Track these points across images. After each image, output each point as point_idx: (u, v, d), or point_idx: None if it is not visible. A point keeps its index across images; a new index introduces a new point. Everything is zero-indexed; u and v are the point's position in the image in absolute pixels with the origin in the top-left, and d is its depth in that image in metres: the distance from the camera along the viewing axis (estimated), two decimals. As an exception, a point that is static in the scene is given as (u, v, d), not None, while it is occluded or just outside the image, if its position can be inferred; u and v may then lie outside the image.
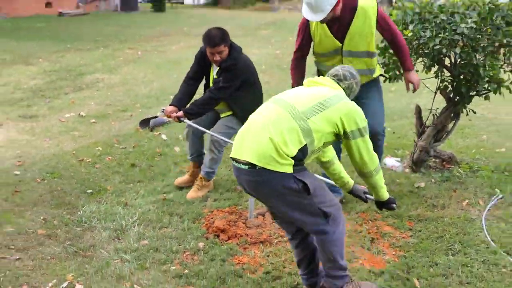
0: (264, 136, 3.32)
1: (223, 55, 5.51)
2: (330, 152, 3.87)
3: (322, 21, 4.78)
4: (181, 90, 5.90)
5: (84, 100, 10.31)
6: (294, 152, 3.27)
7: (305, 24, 5.04)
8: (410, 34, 5.48)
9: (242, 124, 5.38)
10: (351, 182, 4.04)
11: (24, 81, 11.66)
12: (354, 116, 3.48)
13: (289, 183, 3.34)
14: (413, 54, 5.70)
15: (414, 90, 5.21)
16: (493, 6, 5.45)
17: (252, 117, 3.61)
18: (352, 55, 4.91)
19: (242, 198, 5.49)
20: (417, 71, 5.87)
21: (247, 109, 5.35)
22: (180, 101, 5.79)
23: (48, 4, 26.66)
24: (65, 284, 4.00)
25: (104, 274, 4.16)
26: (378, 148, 5.08)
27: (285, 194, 3.41)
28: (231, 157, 3.50)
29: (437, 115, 6.01)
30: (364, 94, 4.86)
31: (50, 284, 4.00)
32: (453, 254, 4.40)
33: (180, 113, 5.56)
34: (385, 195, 3.79)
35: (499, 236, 4.67)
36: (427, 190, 5.62)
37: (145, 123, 8.23)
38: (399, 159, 6.41)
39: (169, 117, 5.73)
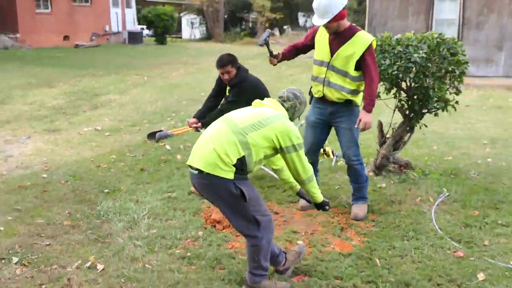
0: (209, 147, 3.44)
1: (231, 75, 5.60)
2: (280, 162, 3.88)
3: (326, 26, 4.65)
4: (204, 105, 5.98)
5: (99, 116, 10.28)
6: (233, 161, 3.37)
7: (314, 31, 4.92)
8: (373, 61, 5.59)
9: None
10: (297, 186, 4.03)
11: (47, 101, 11.60)
12: (289, 134, 3.52)
13: (229, 188, 3.42)
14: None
15: (362, 130, 4.82)
16: (440, 40, 5.59)
17: (204, 132, 3.71)
18: (334, 70, 4.75)
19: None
20: (379, 93, 6.00)
21: None
22: (201, 114, 5.86)
23: (66, 37, 26.61)
24: (88, 264, 4.04)
25: (120, 256, 4.19)
26: (355, 172, 5.07)
27: (225, 196, 3.49)
28: (187, 164, 3.60)
29: (395, 128, 6.11)
30: (337, 116, 4.91)
31: (75, 264, 4.04)
32: (407, 240, 4.53)
33: (199, 124, 5.67)
34: (319, 198, 3.84)
35: (445, 226, 4.81)
36: (387, 189, 5.74)
37: (152, 135, 8.23)
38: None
39: (190, 127, 5.82)
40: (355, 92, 4.83)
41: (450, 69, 5.60)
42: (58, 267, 4.02)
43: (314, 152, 5.13)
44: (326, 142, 6.36)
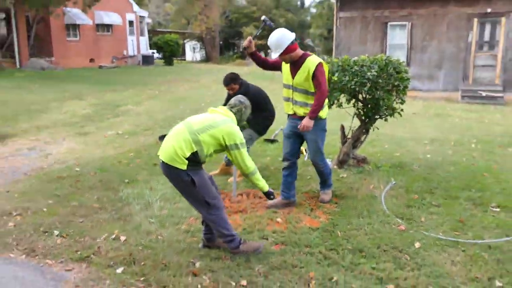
0: (170, 143, 3.63)
1: (234, 90, 5.69)
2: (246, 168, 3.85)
3: (281, 58, 4.63)
4: None
5: (120, 123, 10.29)
6: (187, 155, 3.54)
7: (281, 62, 4.80)
8: (336, 78, 5.63)
9: (258, 133, 5.70)
10: (264, 187, 3.96)
11: (78, 111, 11.59)
12: (233, 135, 3.65)
13: (182, 176, 3.59)
14: (338, 92, 5.79)
15: (301, 130, 4.64)
16: (388, 61, 5.71)
17: (170, 131, 3.82)
18: (297, 90, 4.68)
19: (228, 184, 5.58)
20: (341, 103, 6.16)
21: (260, 124, 5.68)
22: None
23: (91, 60, 26.46)
24: (113, 236, 4.12)
25: (138, 230, 4.26)
26: (321, 172, 5.00)
27: (180, 182, 3.66)
28: (158, 155, 3.75)
29: (354, 131, 6.22)
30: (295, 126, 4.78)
31: (103, 236, 4.12)
32: (362, 217, 4.60)
33: None
34: (264, 189, 3.91)
35: (391, 206, 4.91)
36: (347, 179, 5.82)
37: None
38: (330, 159, 6.42)
39: None
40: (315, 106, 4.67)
41: (396, 84, 5.72)
42: (89, 238, 4.10)
43: (291, 156, 4.97)
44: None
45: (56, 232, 4.21)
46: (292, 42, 4.51)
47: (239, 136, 3.72)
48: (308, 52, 4.72)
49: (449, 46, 16.43)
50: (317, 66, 4.54)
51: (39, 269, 3.60)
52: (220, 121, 3.71)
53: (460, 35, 16.25)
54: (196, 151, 3.60)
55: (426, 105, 14.35)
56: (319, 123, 4.75)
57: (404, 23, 16.83)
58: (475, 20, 15.97)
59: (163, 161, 3.67)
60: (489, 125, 10.55)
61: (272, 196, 4.00)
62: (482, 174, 6.11)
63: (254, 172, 3.82)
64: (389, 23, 16.99)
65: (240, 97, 4.03)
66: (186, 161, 3.58)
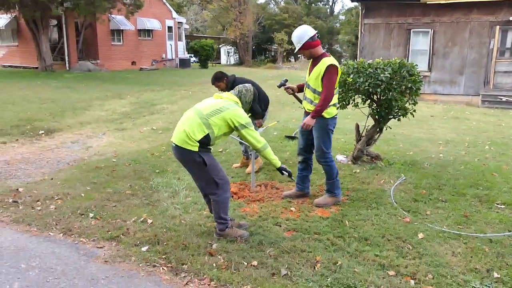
0: (181, 128, 3.74)
1: (222, 87, 5.75)
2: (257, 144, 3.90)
3: (301, 53, 4.67)
4: None
5: (155, 120, 10.44)
6: (199, 137, 3.67)
7: None
8: (351, 79, 5.67)
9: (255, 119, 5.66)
10: (277, 163, 3.99)
11: (118, 108, 11.82)
12: (239, 117, 3.74)
13: (194, 157, 3.72)
14: (353, 93, 5.84)
15: (302, 127, 4.64)
16: (401, 64, 5.68)
17: (182, 117, 3.94)
18: (309, 88, 4.64)
19: (248, 175, 5.65)
20: (357, 103, 6.19)
21: (258, 112, 5.69)
22: None
23: (133, 63, 27.05)
24: (141, 219, 4.28)
25: (164, 215, 4.41)
26: (325, 170, 4.80)
27: (192, 164, 3.79)
28: (171, 140, 3.87)
29: (368, 129, 6.24)
30: (312, 128, 4.70)
31: (133, 219, 4.28)
32: (371, 209, 4.62)
33: None
34: (277, 164, 3.95)
35: (399, 200, 4.92)
36: (360, 174, 5.84)
37: None
38: (345, 156, 6.60)
39: None
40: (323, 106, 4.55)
41: (409, 85, 5.68)
42: (120, 220, 4.28)
43: (304, 152, 4.93)
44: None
45: (91, 215, 4.41)
46: (312, 39, 4.47)
47: (244, 117, 3.81)
48: (327, 53, 4.63)
49: (471, 52, 16.08)
50: (327, 67, 4.44)
51: (74, 246, 3.80)
52: (227, 105, 3.80)
53: (482, 42, 15.88)
54: (208, 134, 3.71)
55: (445, 108, 14.10)
56: (322, 122, 4.64)
57: (427, 30, 16.56)
58: (497, 27, 15.57)
59: (176, 145, 3.78)
60: (506, 128, 10.30)
61: (284, 172, 4.02)
62: (491, 173, 6.02)
63: (265, 147, 3.89)
64: (412, 30, 16.74)
65: (242, 85, 4.09)
66: (198, 144, 3.70)
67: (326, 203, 4.77)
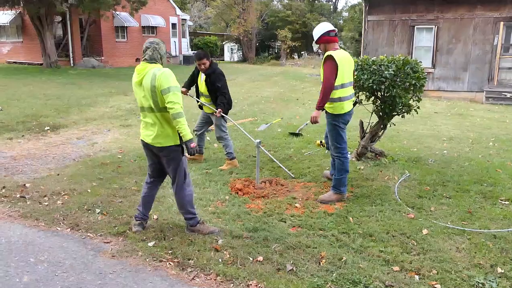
0: (157, 130, 3.74)
1: (206, 65, 5.75)
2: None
3: (316, 45, 4.77)
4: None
5: None
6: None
7: None
8: (355, 77, 5.57)
9: (225, 113, 5.79)
10: (187, 135, 3.71)
11: (123, 105, 11.84)
12: (166, 79, 3.58)
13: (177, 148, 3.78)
14: (357, 90, 5.83)
15: (311, 121, 4.74)
16: (405, 61, 5.68)
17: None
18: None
19: (252, 172, 5.67)
20: (361, 100, 6.18)
21: (227, 105, 5.84)
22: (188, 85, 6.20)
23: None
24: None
25: (170, 210, 4.45)
26: (337, 164, 4.78)
27: (176, 155, 3.81)
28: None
29: (372, 126, 6.23)
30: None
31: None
32: (375, 205, 4.63)
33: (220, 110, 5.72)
34: (186, 136, 3.67)
35: (403, 196, 4.93)
36: (364, 170, 5.84)
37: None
38: (349, 152, 6.45)
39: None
40: (329, 101, 4.65)
41: (413, 82, 5.67)
42: (127, 216, 4.31)
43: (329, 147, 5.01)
44: (323, 136, 6.52)
45: (97, 210, 4.45)
46: (327, 34, 4.60)
47: (172, 80, 3.63)
48: (337, 47, 4.68)
49: (475, 49, 16.02)
50: (324, 59, 4.59)
51: (81, 241, 3.83)
52: (156, 71, 3.63)
53: (486, 38, 15.82)
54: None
55: (449, 105, 14.07)
56: (329, 118, 4.74)
57: (430, 26, 16.50)
58: (501, 23, 15.50)
59: (158, 146, 3.74)
60: (510, 125, 10.27)
61: (191, 149, 3.72)
62: (495, 170, 6.01)
63: (181, 115, 3.64)
64: (416, 27, 16.69)
65: (149, 42, 3.78)
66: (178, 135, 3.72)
67: (331, 199, 4.77)
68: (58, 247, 3.70)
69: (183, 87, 5.99)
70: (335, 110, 4.67)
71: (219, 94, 5.81)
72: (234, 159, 6.07)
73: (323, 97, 4.56)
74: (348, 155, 4.91)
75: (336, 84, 4.57)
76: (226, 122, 6.11)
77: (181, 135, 3.72)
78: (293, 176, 5.00)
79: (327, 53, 4.58)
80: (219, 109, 5.78)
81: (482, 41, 15.87)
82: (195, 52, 5.90)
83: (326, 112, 4.78)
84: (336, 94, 4.62)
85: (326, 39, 4.63)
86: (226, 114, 5.89)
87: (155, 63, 3.74)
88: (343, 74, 4.60)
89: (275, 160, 5.86)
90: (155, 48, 3.75)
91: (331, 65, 4.54)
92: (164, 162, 3.89)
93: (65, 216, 4.32)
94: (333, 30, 4.64)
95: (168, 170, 3.94)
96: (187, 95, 6.09)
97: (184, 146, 3.81)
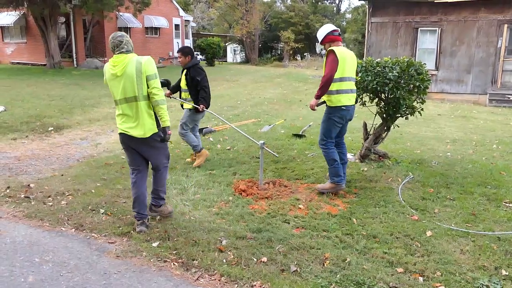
0: (142, 122, 3.91)
1: (187, 61, 5.82)
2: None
3: (322, 45, 4.98)
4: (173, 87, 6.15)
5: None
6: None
7: None
8: (359, 78, 5.66)
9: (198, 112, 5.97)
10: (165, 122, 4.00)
11: None
12: (151, 66, 3.82)
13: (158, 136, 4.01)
14: (361, 91, 5.85)
15: (312, 108, 4.93)
16: (409, 63, 5.69)
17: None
18: None
19: (256, 173, 5.66)
20: (365, 101, 6.20)
21: (208, 100, 5.88)
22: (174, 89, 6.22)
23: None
24: (151, 216, 4.28)
25: (174, 211, 4.41)
26: (323, 154, 5.06)
27: (157, 143, 4.06)
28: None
29: (376, 128, 6.24)
30: None
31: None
32: (378, 207, 4.63)
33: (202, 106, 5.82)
34: (165, 123, 3.95)
35: (407, 198, 4.92)
36: (367, 172, 5.83)
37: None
38: (353, 154, 6.57)
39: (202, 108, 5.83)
40: (327, 93, 4.84)
41: (417, 84, 5.67)
42: (131, 216, 4.30)
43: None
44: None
45: (101, 210, 4.46)
46: (331, 33, 4.85)
47: (155, 67, 3.88)
48: (340, 45, 4.92)
49: (478, 51, 16.01)
50: (326, 53, 4.84)
51: (86, 241, 3.85)
52: (139, 59, 3.82)
53: (489, 41, 15.80)
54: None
55: (452, 107, 14.06)
56: (327, 110, 4.98)
57: (434, 28, 16.50)
58: (505, 26, 15.49)
59: (141, 137, 3.90)
60: (514, 127, 10.27)
61: (168, 136, 4.03)
62: (499, 172, 6.00)
63: (162, 102, 3.88)
64: (420, 29, 16.69)
65: (111, 37, 3.90)
66: (155, 122, 3.94)
67: (324, 188, 5.01)
68: (63, 247, 3.72)
69: (168, 89, 6.05)
70: (332, 103, 4.88)
71: (199, 88, 5.84)
72: (202, 150, 6.20)
73: (322, 87, 4.75)
74: (334, 151, 5.07)
75: (335, 76, 4.76)
76: (202, 118, 6.28)
77: (162, 120, 3.94)
78: (277, 155, 5.16)
79: (329, 48, 4.81)
80: (201, 105, 5.83)
81: (486, 43, 15.86)
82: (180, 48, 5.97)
83: (326, 105, 4.99)
84: (334, 86, 4.81)
85: (330, 38, 4.87)
86: (207, 109, 5.92)
87: (131, 53, 3.88)
88: (344, 68, 4.79)
89: (246, 135, 5.97)
90: (128, 41, 3.90)
91: (332, 58, 4.74)
92: (146, 151, 4.05)
93: (69, 216, 4.34)
94: (336, 30, 4.92)
95: (151, 159, 4.12)
96: (170, 97, 6.15)
97: (162, 133, 4.01)
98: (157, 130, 3.95)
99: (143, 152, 4.07)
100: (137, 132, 3.90)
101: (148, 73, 3.79)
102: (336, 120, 4.92)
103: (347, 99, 4.89)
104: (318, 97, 4.83)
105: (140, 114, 3.86)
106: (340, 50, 4.78)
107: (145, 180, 4.19)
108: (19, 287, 3.11)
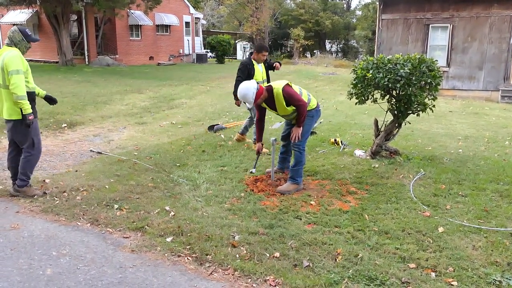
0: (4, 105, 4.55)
1: (262, 59, 6.71)
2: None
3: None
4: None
5: (174, 114, 10.54)
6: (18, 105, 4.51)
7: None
8: (370, 75, 5.66)
9: None
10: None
11: (138, 103, 11.95)
12: (11, 63, 4.35)
13: (21, 123, 4.55)
14: (372, 88, 5.82)
15: (294, 139, 4.97)
16: (421, 60, 5.66)
17: None
18: (283, 117, 5.22)
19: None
20: (376, 99, 6.20)
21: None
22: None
23: (151, 58, 27.29)
24: (164, 211, 4.35)
25: (186, 207, 4.48)
26: (297, 155, 5.04)
27: (19, 127, 4.57)
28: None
29: (387, 124, 6.23)
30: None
31: (156, 211, 4.37)
32: (390, 203, 4.63)
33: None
34: (27, 111, 4.47)
35: (419, 194, 4.92)
36: (379, 169, 5.82)
37: (211, 128, 8.44)
38: (364, 151, 6.58)
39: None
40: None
41: (428, 81, 5.65)
42: (144, 212, 4.37)
43: (287, 138, 5.36)
44: (337, 134, 6.53)
45: (116, 206, 4.52)
46: (256, 89, 4.83)
47: (16, 63, 4.37)
48: (268, 87, 4.98)
49: (490, 47, 15.86)
50: (282, 92, 4.86)
51: (101, 235, 3.91)
52: (4, 55, 4.41)
53: (502, 37, 15.66)
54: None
55: (464, 104, 13.96)
56: (309, 113, 5.11)
57: (445, 25, 16.38)
58: (518, 22, 15.35)
59: (6, 119, 4.52)
60: (526, 124, 10.17)
61: (28, 121, 4.51)
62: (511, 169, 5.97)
63: (23, 97, 4.42)
64: (431, 25, 16.57)
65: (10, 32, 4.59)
66: (20, 110, 4.45)
67: (289, 190, 5.00)
68: (79, 241, 3.78)
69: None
70: (309, 106, 5.09)
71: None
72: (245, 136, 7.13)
73: (304, 115, 4.92)
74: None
75: (299, 95, 4.97)
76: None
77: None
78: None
79: (279, 88, 4.85)
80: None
81: (498, 39, 15.72)
82: (258, 44, 6.49)
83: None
84: (305, 97, 5.03)
85: (259, 93, 4.84)
86: None
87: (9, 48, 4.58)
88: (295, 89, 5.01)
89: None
90: (12, 36, 4.60)
91: (292, 91, 4.92)
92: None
93: (84, 211, 4.41)
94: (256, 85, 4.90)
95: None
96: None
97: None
98: (21, 117, 4.51)
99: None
100: (4, 114, 4.69)
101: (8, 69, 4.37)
102: (312, 121, 5.19)
103: (315, 101, 5.19)
104: (301, 125, 4.95)
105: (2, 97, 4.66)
106: (283, 83, 4.92)
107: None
108: (38, 279, 3.17)
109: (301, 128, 4.95)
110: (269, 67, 6.91)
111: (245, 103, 5.51)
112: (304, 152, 5.13)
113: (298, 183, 5.08)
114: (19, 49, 4.54)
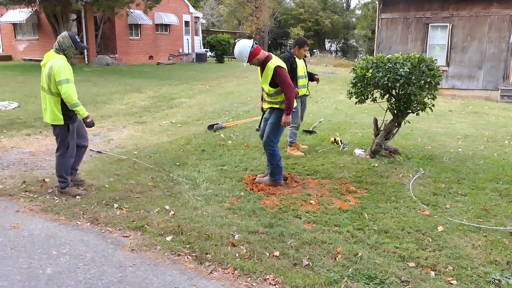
0: (47, 109, 4.62)
1: (302, 54, 6.55)
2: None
3: (250, 64, 4.88)
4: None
5: (174, 113, 10.52)
6: (61, 111, 4.62)
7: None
8: (369, 74, 5.67)
9: None
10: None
11: (137, 102, 11.94)
12: (60, 72, 4.40)
13: (63, 128, 4.67)
14: (372, 87, 5.83)
15: (284, 125, 4.96)
16: (421, 59, 5.67)
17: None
18: (263, 91, 5.12)
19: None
20: (375, 98, 6.20)
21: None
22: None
23: (150, 57, 27.26)
24: (164, 210, 4.35)
25: (186, 206, 4.47)
26: (270, 155, 5.09)
27: (60, 132, 4.70)
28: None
29: (386, 123, 6.23)
30: (270, 116, 5.12)
31: (156, 210, 4.37)
32: (390, 202, 4.64)
33: None
34: (83, 115, 4.71)
35: (418, 194, 4.92)
36: (378, 168, 5.83)
37: (211, 127, 8.43)
38: (363, 150, 6.57)
39: None
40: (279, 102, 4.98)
41: (428, 80, 5.65)
42: (144, 211, 4.37)
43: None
44: (337, 133, 6.55)
45: (115, 205, 4.52)
46: (252, 48, 4.79)
47: (65, 72, 4.42)
48: (270, 56, 4.92)
49: (490, 47, 15.88)
50: (274, 69, 4.80)
51: (101, 234, 3.91)
52: (52, 63, 4.45)
53: (501, 36, 15.67)
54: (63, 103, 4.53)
55: (463, 103, 13.96)
56: (279, 114, 5.07)
57: (445, 24, 16.39)
58: (517, 21, 15.36)
59: (51, 124, 4.64)
60: (526, 123, 10.18)
61: (91, 124, 4.78)
62: (511, 168, 5.97)
63: (77, 105, 4.59)
64: (430, 24, 16.58)
65: (59, 36, 4.66)
66: (62, 116, 4.58)
67: (268, 183, 5.15)
68: (79, 241, 3.78)
69: None
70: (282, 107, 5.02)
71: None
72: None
73: (292, 101, 4.89)
74: (279, 152, 5.24)
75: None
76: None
77: None
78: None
79: (273, 66, 4.79)
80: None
81: (498, 39, 15.73)
82: (299, 39, 6.43)
83: (276, 109, 5.05)
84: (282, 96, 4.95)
85: (254, 53, 4.81)
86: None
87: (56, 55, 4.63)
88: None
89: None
90: (60, 40, 4.63)
91: (286, 72, 4.87)
92: None
93: (84, 210, 4.40)
94: (254, 42, 4.86)
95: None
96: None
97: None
98: (63, 123, 4.64)
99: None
100: (47, 118, 4.76)
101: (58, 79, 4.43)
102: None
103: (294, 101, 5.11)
104: (289, 113, 4.90)
105: (46, 101, 4.73)
106: (283, 63, 4.89)
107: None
108: (38, 278, 3.17)
109: (290, 116, 4.91)
110: (309, 77, 6.90)
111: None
112: (277, 151, 5.14)
113: (275, 180, 5.16)
114: (66, 54, 4.61)
